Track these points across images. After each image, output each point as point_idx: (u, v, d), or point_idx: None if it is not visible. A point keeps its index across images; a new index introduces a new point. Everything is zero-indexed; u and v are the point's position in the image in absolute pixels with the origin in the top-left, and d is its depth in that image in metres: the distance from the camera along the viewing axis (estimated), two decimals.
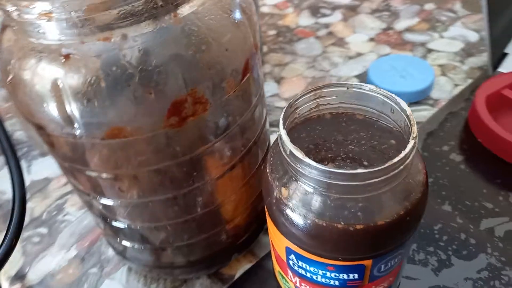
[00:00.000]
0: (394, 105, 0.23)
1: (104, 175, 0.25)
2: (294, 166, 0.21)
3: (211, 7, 0.22)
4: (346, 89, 0.25)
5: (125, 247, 0.32)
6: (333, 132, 0.26)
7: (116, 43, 0.20)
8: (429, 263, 0.34)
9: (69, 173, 0.27)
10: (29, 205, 0.43)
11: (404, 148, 0.24)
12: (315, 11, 0.69)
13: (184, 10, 0.21)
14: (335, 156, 0.25)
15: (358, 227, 0.21)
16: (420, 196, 0.22)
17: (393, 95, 0.23)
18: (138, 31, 0.20)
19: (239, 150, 0.27)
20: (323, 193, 0.21)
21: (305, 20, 0.67)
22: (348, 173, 0.20)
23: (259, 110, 0.29)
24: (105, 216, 0.29)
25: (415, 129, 0.21)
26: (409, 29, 0.62)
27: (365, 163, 0.24)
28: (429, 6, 0.66)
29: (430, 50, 0.57)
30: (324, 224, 0.21)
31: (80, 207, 0.43)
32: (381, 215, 0.21)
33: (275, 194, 0.23)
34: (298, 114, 0.25)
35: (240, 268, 0.35)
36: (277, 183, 0.23)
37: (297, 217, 0.22)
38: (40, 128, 0.23)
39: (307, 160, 0.20)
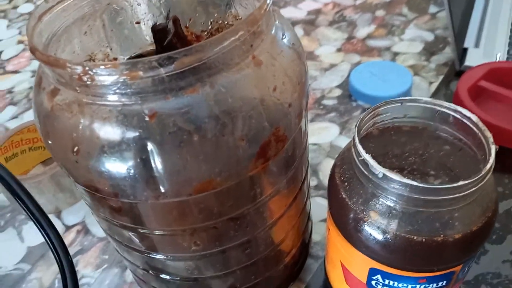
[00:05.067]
0: (454, 113, 0.25)
1: (179, 231, 0.23)
2: (387, 187, 0.22)
3: (280, 44, 0.22)
4: (400, 104, 0.26)
5: None
6: (387, 146, 0.27)
7: (204, 94, 0.19)
8: None
9: (119, 231, 0.25)
10: (33, 275, 0.39)
11: (461, 150, 0.25)
12: None
13: (261, 52, 0.20)
14: (401, 169, 0.25)
15: (456, 236, 0.22)
16: (497, 195, 0.24)
17: (451, 104, 0.25)
18: (224, 79, 0.19)
19: (300, 179, 0.27)
20: (419, 210, 0.22)
21: None
22: (450, 187, 0.20)
23: (307, 140, 0.29)
24: (158, 272, 0.27)
25: (489, 133, 0.23)
26: (370, 36, 0.65)
27: (432, 172, 0.25)
28: (379, 13, 0.71)
29: (396, 53, 0.61)
30: (423, 240, 0.22)
31: (96, 266, 0.39)
32: (475, 222, 0.22)
33: (359, 218, 0.23)
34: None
35: None
36: (361, 208, 0.24)
37: (390, 237, 0.23)
38: (102, 193, 0.21)
39: (405, 180, 0.21)
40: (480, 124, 0.23)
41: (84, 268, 0.39)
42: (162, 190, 0.20)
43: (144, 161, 0.19)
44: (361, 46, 0.63)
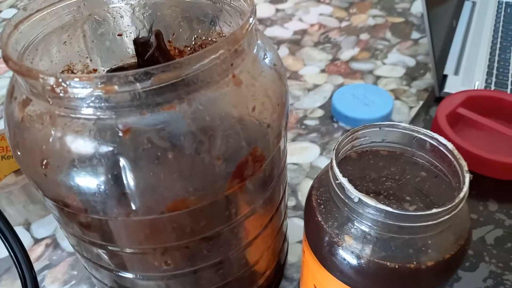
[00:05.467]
0: (430, 140, 0.25)
1: (150, 250, 0.22)
2: (362, 212, 0.22)
3: (261, 64, 0.22)
4: (379, 129, 0.26)
5: None
6: (364, 170, 0.27)
7: (182, 111, 0.19)
8: None
9: (89, 248, 0.24)
10: None
11: (437, 177, 0.26)
12: None
13: (241, 71, 0.20)
14: (377, 194, 0.25)
15: (429, 264, 0.22)
16: (470, 225, 0.24)
17: (428, 131, 0.25)
18: (202, 97, 0.19)
19: (277, 202, 0.27)
20: (394, 236, 0.22)
21: None
22: (424, 214, 0.20)
23: (286, 160, 0.29)
24: None
25: (464, 162, 0.23)
26: (354, 59, 0.66)
27: (408, 198, 0.25)
28: (364, 36, 0.72)
29: (378, 77, 0.62)
30: (396, 266, 0.22)
31: (64, 281, 0.38)
32: (448, 249, 0.22)
33: (334, 242, 0.23)
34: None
35: None
36: (336, 231, 0.23)
37: (363, 262, 0.22)
38: (72, 209, 0.21)
39: (380, 206, 0.21)
40: (456, 152, 0.24)
41: (51, 284, 0.38)
42: (134, 207, 0.20)
43: (115, 177, 0.19)
44: (345, 68, 0.64)
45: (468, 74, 0.58)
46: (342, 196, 0.22)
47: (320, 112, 0.56)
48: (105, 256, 0.24)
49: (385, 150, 0.28)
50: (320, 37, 0.73)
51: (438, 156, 0.25)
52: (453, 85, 0.56)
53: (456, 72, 0.58)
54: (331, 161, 0.24)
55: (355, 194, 0.22)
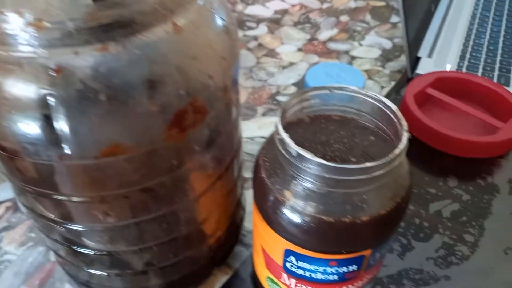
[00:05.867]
0: (378, 103, 0.25)
1: (86, 199, 0.23)
2: (301, 166, 0.22)
3: (206, 15, 0.22)
4: (329, 91, 0.26)
5: (93, 276, 0.29)
6: (315, 133, 0.27)
7: (116, 54, 0.18)
8: (394, 249, 0.36)
9: (33, 200, 0.24)
10: None
11: (384, 143, 0.26)
12: (240, 24, 0.70)
13: (183, 19, 0.20)
14: (324, 155, 0.26)
15: (364, 219, 0.22)
16: (410, 184, 0.24)
17: (376, 94, 0.25)
18: (138, 41, 0.19)
19: (226, 159, 0.27)
20: (330, 190, 0.22)
21: None
22: (358, 167, 0.21)
23: (238, 119, 0.29)
24: (73, 244, 0.27)
25: (405, 122, 0.23)
26: (331, 39, 0.66)
27: (353, 159, 0.26)
28: (344, 18, 0.72)
29: (354, 57, 0.62)
30: (332, 221, 0.22)
31: (20, 243, 0.38)
32: (383, 205, 0.23)
33: (275, 197, 0.24)
34: (285, 117, 0.26)
35: (218, 282, 0.34)
36: (277, 187, 0.24)
37: (302, 217, 0.23)
38: (8, 152, 0.21)
39: (316, 159, 0.21)
40: (399, 113, 0.24)
41: (8, 245, 0.38)
42: (66, 151, 0.20)
43: (47, 119, 0.18)
44: (322, 48, 0.64)
45: (441, 57, 0.58)
46: (283, 151, 0.23)
47: (293, 89, 0.56)
48: (48, 207, 0.24)
49: (337, 115, 0.28)
50: (301, 17, 0.72)
51: (385, 120, 0.25)
52: (425, 67, 0.56)
53: (430, 55, 0.58)
54: (276, 118, 0.24)
55: (293, 148, 0.22)
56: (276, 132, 0.23)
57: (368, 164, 0.21)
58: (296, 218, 0.23)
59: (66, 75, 0.18)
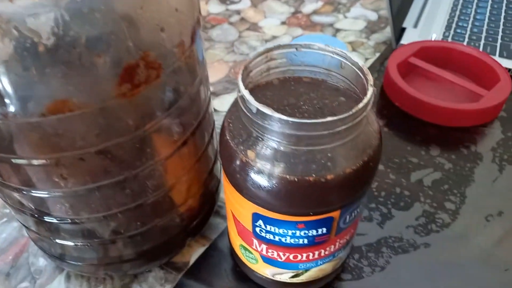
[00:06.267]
0: (344, 60, 0.24)
1: (41, 162, 0.22)
2: (262, 124, 0.21)
3: None
4: (295, 49, 0.25)
5: (64, 248, 0.29)
6: (284, 96, 0.26)
7: (55, 1, 0.17)
8: (374, 218, 0.36)
9: None
10: None
11: (355, 103, 0.25)
12: None
13: None
14: (291, 116, 0.25)
15: (329, 177, 0.21)
16: (378, 143, 0.23)
17: (343, 50, 0.24)
18: None
19: (190, 124, 0.26)
20: (292, 147, 0.21)
21: (215, 7, 0.66)
22: (319, 122, 0.20)
23: (204, 85, 0.28)
24: (39, 214, 0.26)
25: (371, 77, 0.22)
26: (316, 12, 0.65)
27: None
28: None
29: (338, 30, 0.60)
30: (296, 179, 0.21)
31: None
32: (349, 164, 0.22)
33: (239, 159, 0.23)
34: (251, 78, 0.25)
35: (194, 253, 0.34)
36: (241, 148, 0.23)
37: (266, 177, 0.22)
38: None
39: (276, 115, 0.20)
40: (365, 69, 0.23)
41: None
42: (10, 108, 0.19)
43: None
44: (306, 21, 0.63)
45: (426, 27, 0.57)
46: (244, 109, 0.22)
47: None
48: (6, 171, 0.23)
49: (307, 77, 0.27)
50: None
51: (353, 78, 0.24)
52: (410, 38, 0.55)
53: (416, 25, 0.57)
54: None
55: (253, 104, 0.21)
56: (238, 90, 0.22)
57: (330, 118, 0.20)
58: (260, 179, 0.22)
59: (1, 24, 0.17)
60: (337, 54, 0.24)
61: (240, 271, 0.32)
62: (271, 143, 0.22)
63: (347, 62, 0.24)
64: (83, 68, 0.18)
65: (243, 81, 0.22)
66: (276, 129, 0.21)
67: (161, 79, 0.22)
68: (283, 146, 0.21)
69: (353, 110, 0.20)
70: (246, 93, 0.21)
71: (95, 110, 0.20)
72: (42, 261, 0.34)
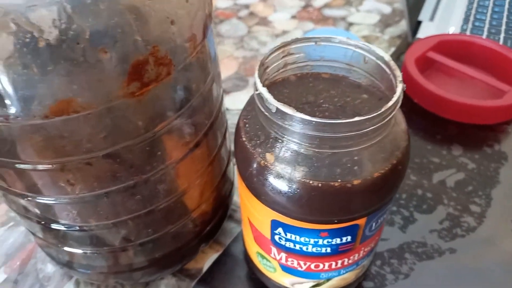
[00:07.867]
0: (368, 54, 0.22)
1: (46, 167, 0.20)
2: (282, 124, 0.19)
3: None
4: (314, 43, 0.23)
5: (72, 256, 0.27)
6: (302, 93, 0.24)
7: None
8: (395, 222, 0.34)
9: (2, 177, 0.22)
10: None
11: (378, 101, 0.23)
12: None
13: None
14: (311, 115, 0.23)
15: (355, 182, 0.20)
16: (407, 144, 0.22)
17: (366, 43, 0.22)
18: None
19: (203, 124, 0.25)
20: (315, 150, 0.19)
21: (223, 2, 0.65)
22: (345, 122, 0.18)
23: (217, 83, 0.26)
24: (45, 221, 0.24)
25: (399, 73, 0.20)
26: (327, 5, 0.63)
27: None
28: None
29: (351, 24, 0.58)
30: (319, 185, 0.20)
31: (1, 223, 0.36)
32: (376, 167, 0.20)
33: (257, 162, 0.21)
34: (268, 74, 0.23)
35: (207, 259, 0.32)
36: (259, 150, 0.21)
37: (286, 182, 0.20)
38: None
39: (298, 114, 0.18)
40: (392, 63, 0.21)
41: None
42: (12, 109, 0.17)
43: None
44: (317, 14, 0.61)
45: (443, 20, 0.54)
46: (262, 109, 0.20)
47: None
48: (11, 177, 0.22)
49: (327, 73, 0.25)
50: None
51: (378, 74, 0.23)
52: (427, 31, 0.53)
53: (432, 18, 0.55)
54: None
55: (273, 103, 0.19)
56: (255, 88, 0.21)
57: (357, 118, 0.18)
58: (279, 184, 0.21)
59: None
60: (360, 47, 0.23)
61: (256, 279, 0.30)
62: (292, 145, 0.20)
63: (371, 57, 0.22)
64: (88, 65, 0.17)
65: (260, 78, 0.21)
66: (297, 130, 0.19)
67: (172, 77, 0.20)
68: (304, 149, 0.20)
69: (382, 109, 0.18)
70: (264, 91, 0.20)
71: (102, 111, 0.18)
72: (50, 267, 0.33)
